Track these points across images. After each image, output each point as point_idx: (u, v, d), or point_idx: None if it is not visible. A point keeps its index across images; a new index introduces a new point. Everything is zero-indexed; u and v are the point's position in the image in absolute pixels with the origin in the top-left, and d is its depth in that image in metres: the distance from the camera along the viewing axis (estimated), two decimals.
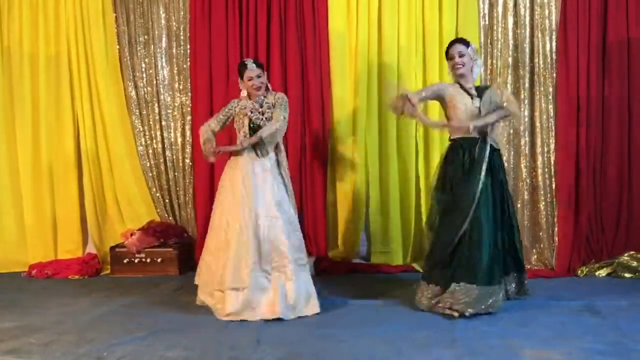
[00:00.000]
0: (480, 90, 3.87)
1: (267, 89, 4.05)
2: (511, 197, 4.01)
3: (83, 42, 5.30)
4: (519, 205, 4.94)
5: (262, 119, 3.97)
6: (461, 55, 3.81)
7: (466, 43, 3.88)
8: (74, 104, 5.38)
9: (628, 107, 4.84)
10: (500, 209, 3.80)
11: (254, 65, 3.99)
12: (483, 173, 3.69)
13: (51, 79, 5.35)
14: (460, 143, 3.81)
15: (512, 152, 5.01)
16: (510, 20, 4.97)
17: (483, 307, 3.61)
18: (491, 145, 3.78)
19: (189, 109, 5.31)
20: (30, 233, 5.41)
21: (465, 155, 3.76)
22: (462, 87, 3.84)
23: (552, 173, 4.93)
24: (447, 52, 3.93)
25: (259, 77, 3.97)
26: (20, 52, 5.37)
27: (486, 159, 3.72)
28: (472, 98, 3.82)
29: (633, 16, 4.80)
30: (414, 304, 3.88)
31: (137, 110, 5.36)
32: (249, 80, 3.97)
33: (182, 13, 5.30)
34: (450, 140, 3.91)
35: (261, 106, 4.00)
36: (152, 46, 5.34)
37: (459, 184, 3.75)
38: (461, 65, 3.81)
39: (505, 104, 3.74)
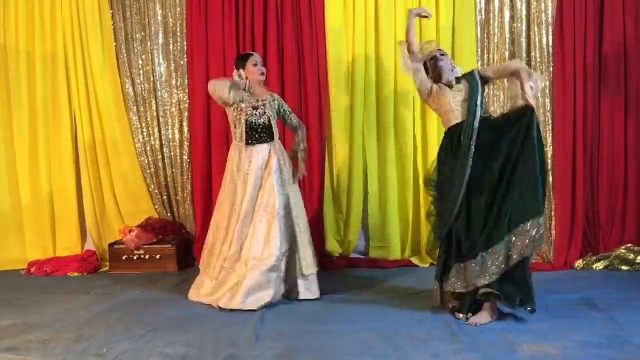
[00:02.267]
0: (463, 76, 3.79)
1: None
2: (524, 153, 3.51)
3: (79, 39, 5.28)
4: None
5: (255, 114, 4.06)
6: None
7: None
8: (70, 101, 5.37)
9: (624, 101, 4.84)
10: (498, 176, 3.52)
11: (258, 55, 4.22)
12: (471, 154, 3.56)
13: (48, 76, 5.34)
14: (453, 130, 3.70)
15: None
16: (507, 14, 4.97)
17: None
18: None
19: (186, 105, 5.30)
20: (28, 230, 5.40)
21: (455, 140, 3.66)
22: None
23: (549, 167, 4.93)
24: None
25: (263, 65, 4.14)
26: (16, 50, 5.34)
27: (474, 138, 3.56)
28: (450, 87, 3.73)
29: (629, 8, 4.80)
30: (411, 299, 3.91)
31: (135, 107, 5.35)
32: (254, 65, 4.09)
33: (178, 9, 5.28)
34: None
35: (256, 101, 4.09)
36: (149, 43, 5.32)
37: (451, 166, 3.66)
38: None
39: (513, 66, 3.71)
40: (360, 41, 5.01)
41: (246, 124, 4.05)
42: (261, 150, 4.06)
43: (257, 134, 4.07)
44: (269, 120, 4.09)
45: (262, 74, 4.17)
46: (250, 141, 4.07)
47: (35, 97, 5.35)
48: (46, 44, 5.33)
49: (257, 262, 3.86)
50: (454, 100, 3.69)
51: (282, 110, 4.22)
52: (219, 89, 4.00)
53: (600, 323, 3.41)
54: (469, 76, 3.77)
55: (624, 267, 4.62)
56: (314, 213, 5.07)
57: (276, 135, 4.15)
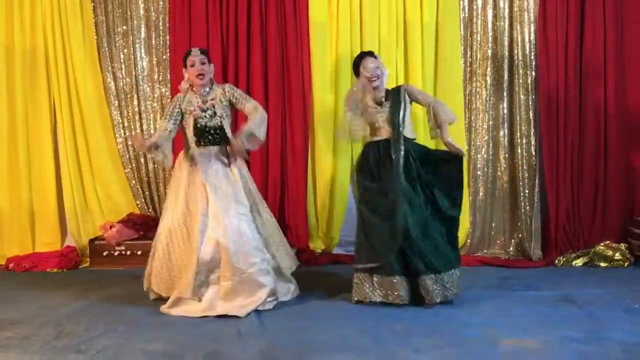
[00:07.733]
0: (390, 93, 3.94)
1: (211, 82, 3.93)
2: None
3: (60, 33, 5.21)
4: (499, 196, 5.05)
5: (205, 117, 3.84)
6: (376, 69, 3.91)
7: (375, 56, 3.97)
8: (51, 96, 5.30)
9: (604, 100, 4.90)
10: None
11: (198, 51, 3.90)
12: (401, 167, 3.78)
13: (27, 71, 5.26)
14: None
15: (491, 144, 5.06)
16: (490, 12, 5.01)
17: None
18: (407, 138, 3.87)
19: (168, 100, 5.25)
20: (7, 226, 5.33)
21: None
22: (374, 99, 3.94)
23: (531, 164, 4.98)
24: (357, 67, 3.95)
25: (202, 63, 3.82)
26: None
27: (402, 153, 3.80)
28: (381, 105, 3.91)
29: (610, 7, 4.85)
30: None
31: (116, 102, 5.30)
32: (192, 65, 3.82)
33: (161, 3, 5.23)
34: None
35: (204, 102, 3.86)
36: (131, 37, 5.27)
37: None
38: (376, 78, 3.90)
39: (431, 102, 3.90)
40: (344, 36, 5.00)
41: (195, 126, 3.84)
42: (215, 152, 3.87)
43: (210, 136, 3.86)
44: (221, 122, 3.84)
45: (200, 75, 3.82)
46: (202, 144, 3.87)
47: (14, 92, 5.27)
48: (25, 37, 5.25)
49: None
50: (381, 118, 3.90)
51: (234, 99, 3.88)
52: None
53: (579, 319, 3.45)
54: (394, 94, 3.93)
55: (602, 264, 4.68)
56: (297, 210, 5.08)
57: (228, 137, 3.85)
